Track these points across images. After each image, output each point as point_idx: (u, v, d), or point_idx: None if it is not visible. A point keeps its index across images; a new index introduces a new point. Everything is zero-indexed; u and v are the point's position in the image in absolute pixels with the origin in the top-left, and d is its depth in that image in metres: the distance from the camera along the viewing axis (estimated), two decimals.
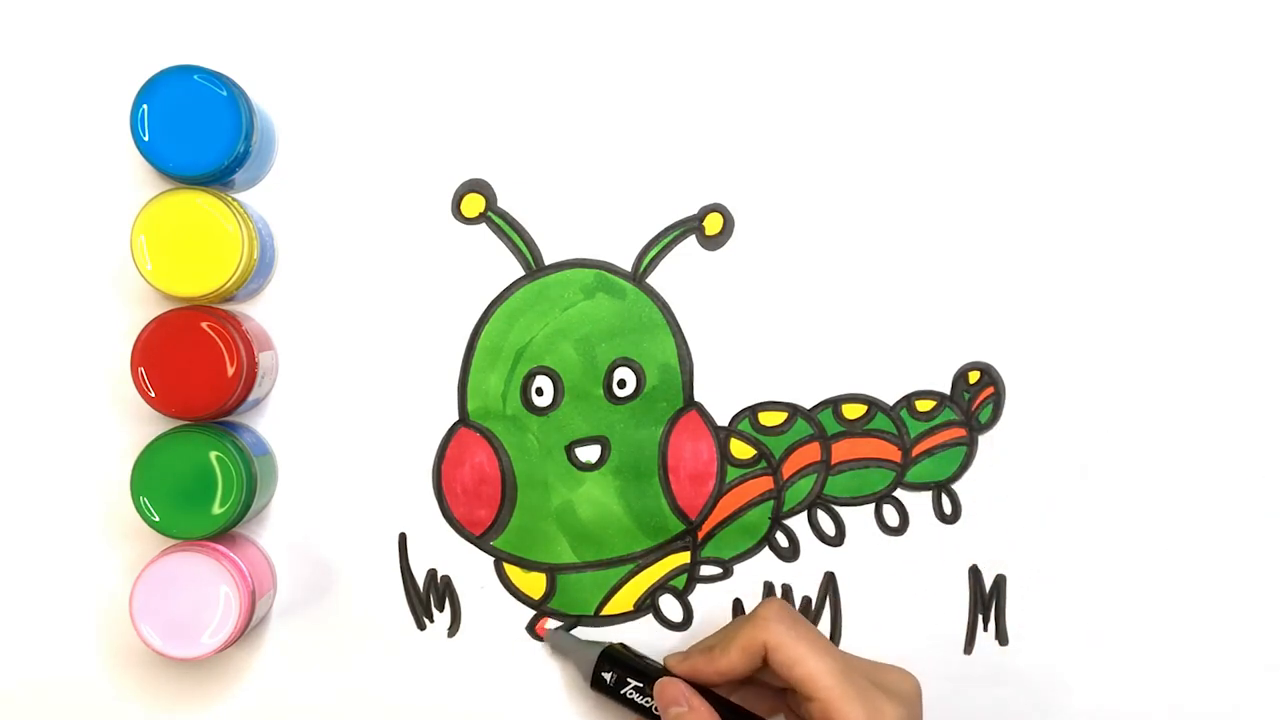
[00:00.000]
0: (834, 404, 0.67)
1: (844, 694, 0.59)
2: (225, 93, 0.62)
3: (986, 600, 0.67)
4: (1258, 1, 0.67)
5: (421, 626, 0.67)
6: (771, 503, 0.67)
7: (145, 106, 0.61)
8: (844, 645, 0.67)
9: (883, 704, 0.60)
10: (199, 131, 0.61)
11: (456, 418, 0.67)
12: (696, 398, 0.67)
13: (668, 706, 0.62)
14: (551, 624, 0.67)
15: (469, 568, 0.67)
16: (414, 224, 0.67)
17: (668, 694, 0.63)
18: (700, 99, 0.67)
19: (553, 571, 0.67)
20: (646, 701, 0.63)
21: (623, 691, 0.64)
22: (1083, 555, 0.66)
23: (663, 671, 0.64)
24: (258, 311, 0.66)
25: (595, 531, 0.67)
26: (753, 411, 0.67)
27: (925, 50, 0.67)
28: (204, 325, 0.61)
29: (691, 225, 0.67)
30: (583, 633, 0.67)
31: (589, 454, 0.67)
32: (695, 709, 0.62)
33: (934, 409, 0.67)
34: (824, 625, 0.67)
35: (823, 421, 0.67)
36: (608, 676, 0.64)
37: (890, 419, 0.67)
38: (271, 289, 0.66)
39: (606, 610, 0.67)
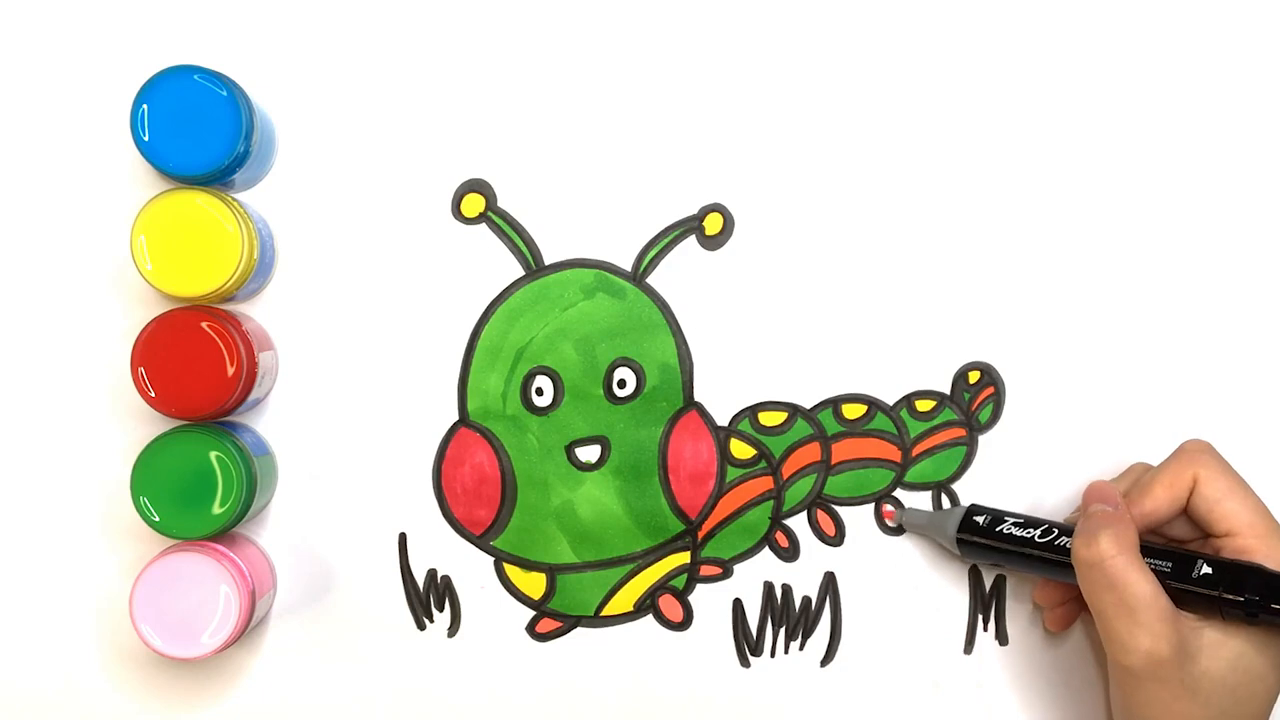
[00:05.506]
0: (834, 404, 0.67)
1: (1274, 535, 0.58)
2: (225, 93, 0.62)
3: (986, 600, 0.67)
4: (1258, 1, 0.67)
5: (421, 626, 0.67)
6: (771, 503, 0.67)
7: (145, 106, 0.61)
8: (844, 645, 0.67)
9: None
10: (199, 131, 0.61)
11: (456, 418, 0.67)
12: (696, 398, 0.67)
13: (1091, 503, 0.60)
14: (907, 506, 0.67)
15: (469, 568, 0.67)
16: (414, 224, 0.67)
17: (1100, 490, 0.60)
18: (700, 99, 0.67)
19: (553, 571, 0.67)
20: (1028, 534, 0.62)
21: (999, 529, 0.62)
22: None
23: (1038, 521, 0.62)
24: (258, 311, 0.66)
25: (595, 531, 0.67)
26: (753, 411, 0.67)
27: (925, 51, 0.67)
28: (204, 325, 0.61)
29: (691, 225, 0.67)
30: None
31: (589, 454, 0.67)
32: (1121, 511, 0.59)
33: (934, 409, 0.67)
34: (824, 625, 0.67)
35: (823, 421, 0.67)
36: (980, 519, 0.63)
37: (890, 419, 0.67)
38: (271, 289, 0.66)
39: (606, 610, 0.67)
